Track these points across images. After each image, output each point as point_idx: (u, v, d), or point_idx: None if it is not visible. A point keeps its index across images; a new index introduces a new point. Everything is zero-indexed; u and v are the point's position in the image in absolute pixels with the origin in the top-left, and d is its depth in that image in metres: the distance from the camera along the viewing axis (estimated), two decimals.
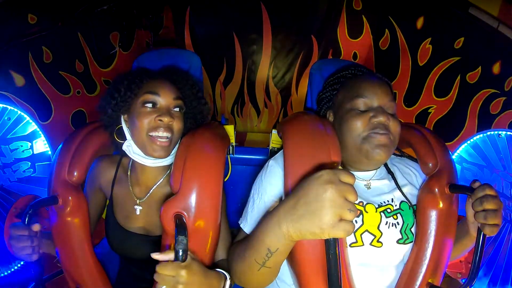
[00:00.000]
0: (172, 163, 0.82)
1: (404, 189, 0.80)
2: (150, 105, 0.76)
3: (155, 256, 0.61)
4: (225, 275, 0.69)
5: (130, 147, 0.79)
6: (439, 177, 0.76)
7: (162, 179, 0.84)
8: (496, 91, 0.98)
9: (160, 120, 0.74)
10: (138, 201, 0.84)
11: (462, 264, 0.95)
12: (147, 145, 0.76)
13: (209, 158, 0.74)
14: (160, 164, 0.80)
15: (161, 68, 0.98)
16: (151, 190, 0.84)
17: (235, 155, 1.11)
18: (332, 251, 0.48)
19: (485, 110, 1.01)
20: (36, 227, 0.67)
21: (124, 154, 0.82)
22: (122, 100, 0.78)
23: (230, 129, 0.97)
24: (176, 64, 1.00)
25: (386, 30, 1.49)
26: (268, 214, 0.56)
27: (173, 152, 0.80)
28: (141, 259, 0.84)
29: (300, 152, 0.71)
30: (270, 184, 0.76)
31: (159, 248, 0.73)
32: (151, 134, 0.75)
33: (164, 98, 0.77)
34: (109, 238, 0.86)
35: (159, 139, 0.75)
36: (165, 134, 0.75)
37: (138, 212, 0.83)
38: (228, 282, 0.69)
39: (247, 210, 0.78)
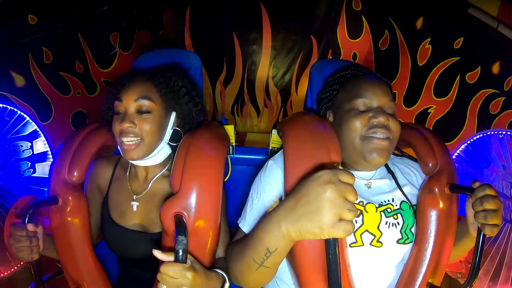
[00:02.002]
0: (163, 161, 0.83)
1: (405, 189, 0.79)
2: (117, 112, 0.78)
3: (157, 253, 0.61)
4: (224, 276, 0.69)
5: None
6: (439, 177, 0.76)
7: (159, 174, 0.84)
8: (495, 91, 0.98)
9: (120, 126, 0.75)
10: (135, 197, 0.84)
11: (462, 264, 0.95)
12: (120, 149, 0.78)
13: (209, 158, 0.74)
14: (144, 163, 0.81)
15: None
16: (149, 186, 0.84)
17: (235, 155, 1.11)
18: (332, 251, 0.48)
19: (484, 110, 1.01)
20: (30, 227, 0.67)
21: None
22: (107, 109, 0.82)
23: (230, 129, 0.97)
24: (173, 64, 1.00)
25: (386, 30, 1.49)
26: (267, 214, 0.56)
27: (158, 151, 0.80)
28: (139, 258, 0.83)
29: (300, 152, 0.71)
30: (269, 184, 0.76)
31: (158, 246, 0.72)
32: (121, 139, 0.76)
33: (126, 103, 0.76)
34: (105, 236, 0.85)
35: (125, 143, 0.75)
36: (129, 139, 0.75)
37: (135, 208, 0.83)
38: (227, 284, 0.69)
39: (246, 209, 0.78)
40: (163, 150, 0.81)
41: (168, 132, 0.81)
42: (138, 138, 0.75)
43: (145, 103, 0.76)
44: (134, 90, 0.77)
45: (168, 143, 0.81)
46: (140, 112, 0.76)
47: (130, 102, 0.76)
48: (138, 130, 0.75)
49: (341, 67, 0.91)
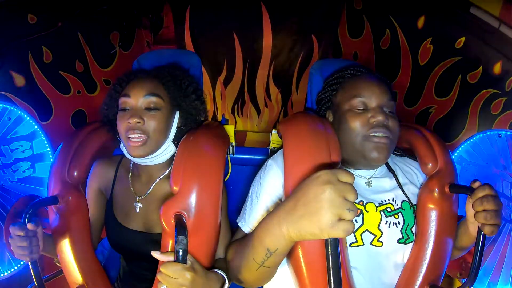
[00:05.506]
0: (166, 160, 0.83)
1: (405, 188, 0.79)
2: (123, 108, 0.77)
3: (156, 254, 0.61)
4: (224, 277, 0.69)
5: (124, 148, 0.81)
6: (439, 177, 0.76)
7: (162, 176, 0.84)
8: (497, 91, 0.98)
9: (129, 122, 0.74)
10: (138, 198, 0.84)
11: (462, 264, 0.95)
12: (126, 146, 0.77)
13: (209, 158, 0.74)
14: (150, 162, 0.81)
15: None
16: (152, 187, 0.84)
17: (235, 155, 1.11)
18: (332, 251, 0.48)
19: (486, 110, 1.01)
20: (30, 227, 0.67)
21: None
22: (110, 106, 0.82)
23: (230, 129, 0.97)
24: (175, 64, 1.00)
25: (387, 29, 1.48)
26: (268, 215, 0.56)
27: (163, 150, 0.80)
28: (141, 258, 0.84)
29: (300, 152, 0.71)
30: (269, 183, 0.76)
31: (160, 247, 0.73)
32: (127, 136, 0.75)
33: (134, 99, 0.76)
34: (109, 236, 0.86)
35: (132, 140, 0.75)
36: (136, 135, 0.74)
37: (138, 210, 0.83)
38: (226, 284, 0.69)
39: (245, 209, 0.78)
40: (168, 149, 0.81)
41: (173, 131, 0.81)
42: (145, 136, 0.75)
43: (154, 99, 0.76)
44: (143, 86, 0.77)
45: (173, 142, 0.82)
46: (148, 108, 0.76)
47: (139, 98, 0.76)
48: (146, 127, 0.75)
49: (341, 67, 0.91)
